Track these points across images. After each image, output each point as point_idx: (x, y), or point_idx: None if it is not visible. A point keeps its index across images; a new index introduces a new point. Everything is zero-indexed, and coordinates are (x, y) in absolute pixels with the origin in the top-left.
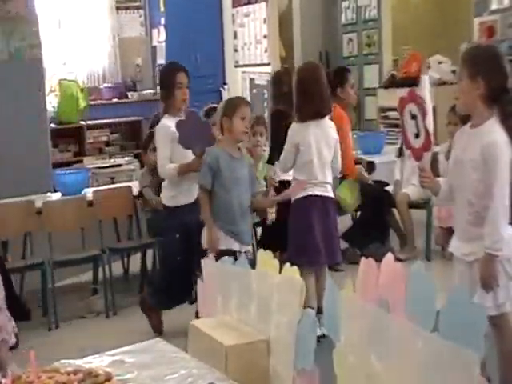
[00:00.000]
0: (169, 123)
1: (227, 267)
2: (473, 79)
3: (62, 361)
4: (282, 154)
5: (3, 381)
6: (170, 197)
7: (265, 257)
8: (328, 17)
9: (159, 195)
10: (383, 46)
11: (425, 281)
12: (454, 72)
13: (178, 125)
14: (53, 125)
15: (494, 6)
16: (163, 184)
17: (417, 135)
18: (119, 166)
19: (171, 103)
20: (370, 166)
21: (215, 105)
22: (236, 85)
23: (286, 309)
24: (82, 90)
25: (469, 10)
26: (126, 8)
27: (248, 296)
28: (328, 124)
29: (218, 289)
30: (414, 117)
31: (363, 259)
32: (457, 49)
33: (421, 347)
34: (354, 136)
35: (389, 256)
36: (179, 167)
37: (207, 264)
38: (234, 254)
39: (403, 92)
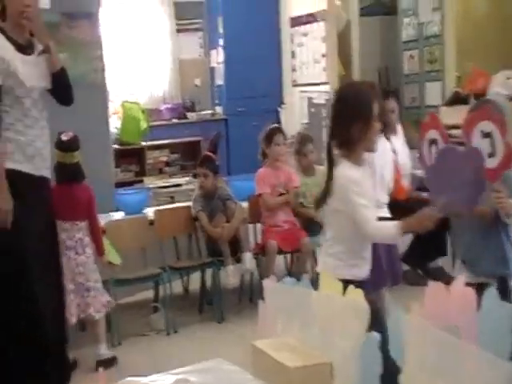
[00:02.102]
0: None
1: (289, 288)
2: None
3: (128, 378)
4: None
5: None
6: None
7: (328, 278)
8: (388, 34)
9: (211, 221)
10: (446, 63)
11: (499, 307)
12: None
13: None
14: (115, 146)
15: None
16: None
17: (490, 154)
18: (179, 185)
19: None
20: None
21: (276, 125)
22: (294, 104)
23: (350, 332)
24: (143, 112)
25: None
26: (186, 30)
27: (310, 318)
28: (383, 142)
29: (279, 309)
30: (487, 135)
31: (431, 283)
32: None
33: (496, 377)
34: (417, 154)
35: (459, 280)
36: None
37: (268, 284)
38: None
39: (468, 109)
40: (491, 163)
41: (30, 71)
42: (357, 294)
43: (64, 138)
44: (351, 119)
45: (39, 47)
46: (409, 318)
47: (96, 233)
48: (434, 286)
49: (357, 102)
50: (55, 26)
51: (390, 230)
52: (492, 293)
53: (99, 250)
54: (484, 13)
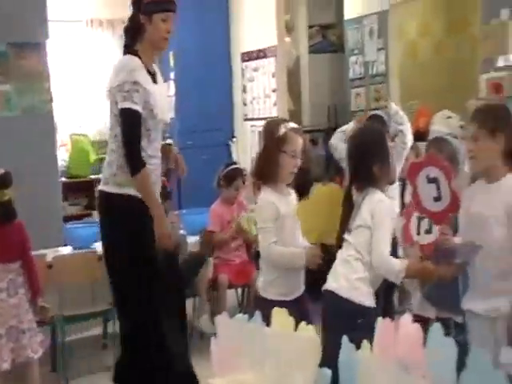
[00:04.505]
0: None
1: (241, 324)
2: (493, 136)
3: None
4: None
5: None
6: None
7: (279, 314)
8: (336, 71)
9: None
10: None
11: (444, 343)
12: (461, 127)
13: None
14: (63, 179)
15: (500, 63)
16: None
17: (436, 199)
18: None
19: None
20: None
21: (238, 166)
22: (245, 138)
23: (303, 368)
24: (92, 144)
25: (475, 67)
26: None
27: (263, 354)
28: None
29: (232, 346)
30: (433, 180)
31: (380, 319)
32: (463, 104)
33: None
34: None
35: (406, 317)
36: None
37: (221, 320)
38: None
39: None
40: (436, 207)
41: (161, 104)
42: (309, 330)
43: None
44: (372, 160)
45: (159, 76)
46: (360, 353)
47: (31, 274)
48: (382, 323)
49: (377, 145)
50: (3, 55)
51: (395, 267)
52: (436, 328)
53: (34, 292)
54: (428, 55)
